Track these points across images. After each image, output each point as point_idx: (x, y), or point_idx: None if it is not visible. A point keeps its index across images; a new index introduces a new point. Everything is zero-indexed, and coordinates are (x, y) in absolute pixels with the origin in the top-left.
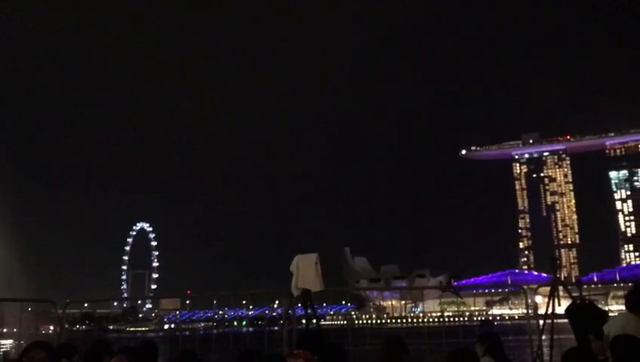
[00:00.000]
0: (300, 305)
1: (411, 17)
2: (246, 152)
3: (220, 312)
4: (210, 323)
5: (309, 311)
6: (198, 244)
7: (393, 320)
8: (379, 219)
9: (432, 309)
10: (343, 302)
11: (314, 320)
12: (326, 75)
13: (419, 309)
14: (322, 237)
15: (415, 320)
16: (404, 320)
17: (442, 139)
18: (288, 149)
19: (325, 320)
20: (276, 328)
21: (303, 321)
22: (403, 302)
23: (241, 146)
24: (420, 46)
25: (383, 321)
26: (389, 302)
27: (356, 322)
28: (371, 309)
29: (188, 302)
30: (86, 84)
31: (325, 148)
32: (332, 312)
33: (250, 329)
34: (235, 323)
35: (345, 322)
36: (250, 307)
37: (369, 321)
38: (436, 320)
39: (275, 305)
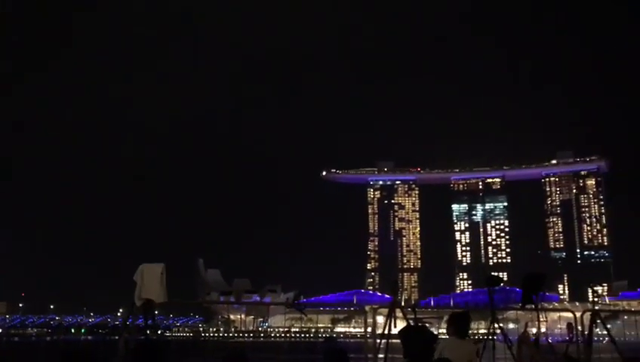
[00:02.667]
0: (142, 315)
1: (271, 44)
2: (98, 154)
3: (57, 318)
4: (45, 330)
5: (150, 322)
6: (33, 246)
7: (241, 334)
8: (235, 232)
9: (280, 324)
10: (191, 314)
11: (154, 331)
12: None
13: (267, 324)
14: (176, 247)
15: (262, 335)
16: (251, 335)
17: (305, 158)
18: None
19: (171, 332)
20: (117, 337)
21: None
22: (252, 316)
23: (87, 148)
24: (283, 69)
25: (231, 335)
26: (238, 316)
27: (203, 335)
28: (219, 322)
29: (21, 305)
30: None
31: (184, 158)
32: (178, 324)
33: (89, 337)
34: (73, 331)
35: (191, 334)
36: (91, 314)
37: (216, 335)
38: (283, 335)
39: (119, 314)
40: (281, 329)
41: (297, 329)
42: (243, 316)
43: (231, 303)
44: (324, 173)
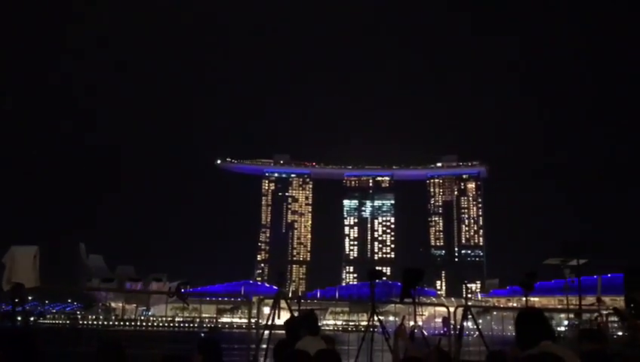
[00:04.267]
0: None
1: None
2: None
3: None
4: None
5: (20, 308)
6: None
7: (122, 323)
8: (122, 218)
9: (164, 314)
10: (69, 301)
11: (25, 318)
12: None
13: (150, 313)
14: (56, 232)
15: (144, 324)
16: (132, 323)
17: (199, 146)
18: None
19: (45, 319)
20: None
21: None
22: (134, 304)
23: None
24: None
25: (111, 323)
26: (120, 304)
27: (81, 323)
28: (99, 310)
29: None
30: None
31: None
32: (54, 311)
33: None
34: None
35: (68, 322)
36: None
37: (95, 323)
38: (166, 324)
39: None
40: (164, 319)
41: (181, 319)
42: (125, 304)
43: (108, 290)
44: (218, 162)
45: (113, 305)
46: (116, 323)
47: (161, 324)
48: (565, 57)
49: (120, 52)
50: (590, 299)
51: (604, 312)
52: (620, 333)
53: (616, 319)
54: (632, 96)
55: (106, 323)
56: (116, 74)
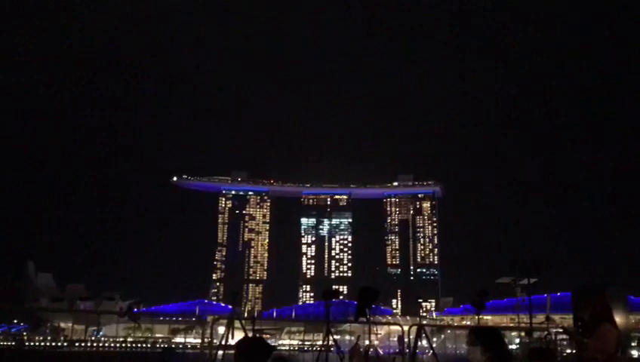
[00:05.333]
0: None
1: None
2: None
3: None
4: None
5: None
6: None
7: (71, 344)
8: (74, 235)
9: (116, 334)
10: (15, 321)
11: None
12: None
13: (101, 333)
14: (2, 249)
15: (95, 345)
16: (82, 344)
17: (154, 162)
18: None
19: None
20: None
21: None
22: (83, 325)
23: None
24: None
25: (59, 344)
26: (69, 324)
27: (27, 344)
28: (47, 331)
29: None
30: None
31: (21, 153)
32: None
33: None
34: None
35: (13, 343)
36: None
37: (43, 344)
38: (118, 345)
39: None
40: (115, 339)
41: (133, 340)
42: (75, 324)
43: (56, 310)
44: (174, 179)
45: (62, 325)
46: (65, 343)
47: (112, 345)
48: (516, 82)
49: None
50: (540, 318)
51: (554, 330)
52: (569, 351)
53: (565, 337)
54: (579, 114)
55: (54, 344)
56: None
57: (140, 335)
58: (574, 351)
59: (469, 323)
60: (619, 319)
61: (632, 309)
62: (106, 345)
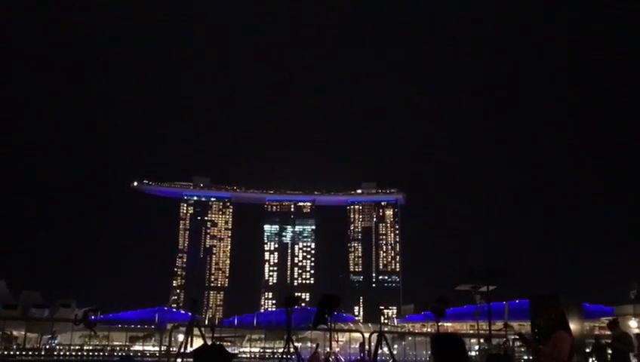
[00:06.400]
0: None
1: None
2: None
3: None
4: None
5: None
6: None
7: (24, 353)
8: (29, 241)
9: (72, 342)
10: None
11: None
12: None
13: (56, 341)
14: None
15: (48, 353)
16: (36, 353)
17: (115, 166)
18: None
19: None
20: None
21: None
22: (36, 333)
23: None
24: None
25: (12, 353)
26: (22, 332)
27: None
28: None
29: None
30: None
31: None
32: None
33: None
34: None
35: None
36: None
37: None
38: (73, 354)
39: None
40: (71, 347)
41: (90, 348)
42: (27, 332)
43: (8, 318)
44: (135, 184)
45: (15, 333)
46: (17, 352)
47: (67, 353)
48: (476, 90)
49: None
50: (499, 325)
51: (512, 337)
52: (526, 357)
53: (522, 344)
54: (541, 124)
55: (6, 352)
56: (25, 87)
57: (97, 343)
58: (531, 358)
59: (429, 330)
60: (573, 326)
61: (586, 316)
62: (61, 353)
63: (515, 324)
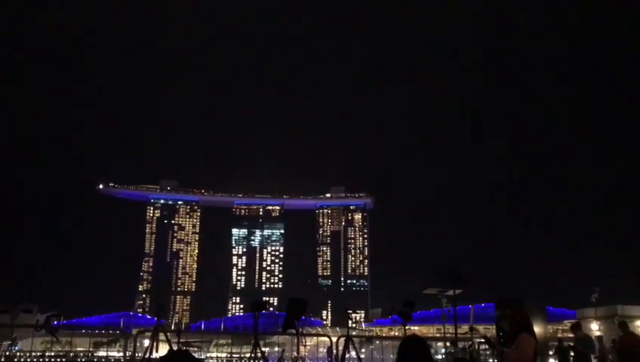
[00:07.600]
0: None
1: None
2: None
3: None
4: None
5: None
6: None
7: None
8: None
9: (32, 348)
10: None
11: None
12: None
13: (16, 348)
14: None
15: (10, 360)
16: None
17: (80, 167)
18: None
19: None
20: None
21: None
22: None
23: None
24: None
25: None
26: None
27: None
28: None
29: None
30: None
31: None
32: None
33: None
34: None
35: None
36: None
37: None
38: (35, 360)
39: None
40: (32, 354)
41: (53, 354)
42: None
43: None
44: (100, 187)
45: None
46: None
47: (28, 360)
48: (451, 96)
49: None
50: (465, 328)
51: (477, 341)
52: (491, 361)
53: (487, 347)
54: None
55: None
56: None
57: (60, 349)
58: (496, 361)
59: (396, 333)
60: (537, 329)
61: (550, 319)
62: (22, 360)
63: (480, 328)
